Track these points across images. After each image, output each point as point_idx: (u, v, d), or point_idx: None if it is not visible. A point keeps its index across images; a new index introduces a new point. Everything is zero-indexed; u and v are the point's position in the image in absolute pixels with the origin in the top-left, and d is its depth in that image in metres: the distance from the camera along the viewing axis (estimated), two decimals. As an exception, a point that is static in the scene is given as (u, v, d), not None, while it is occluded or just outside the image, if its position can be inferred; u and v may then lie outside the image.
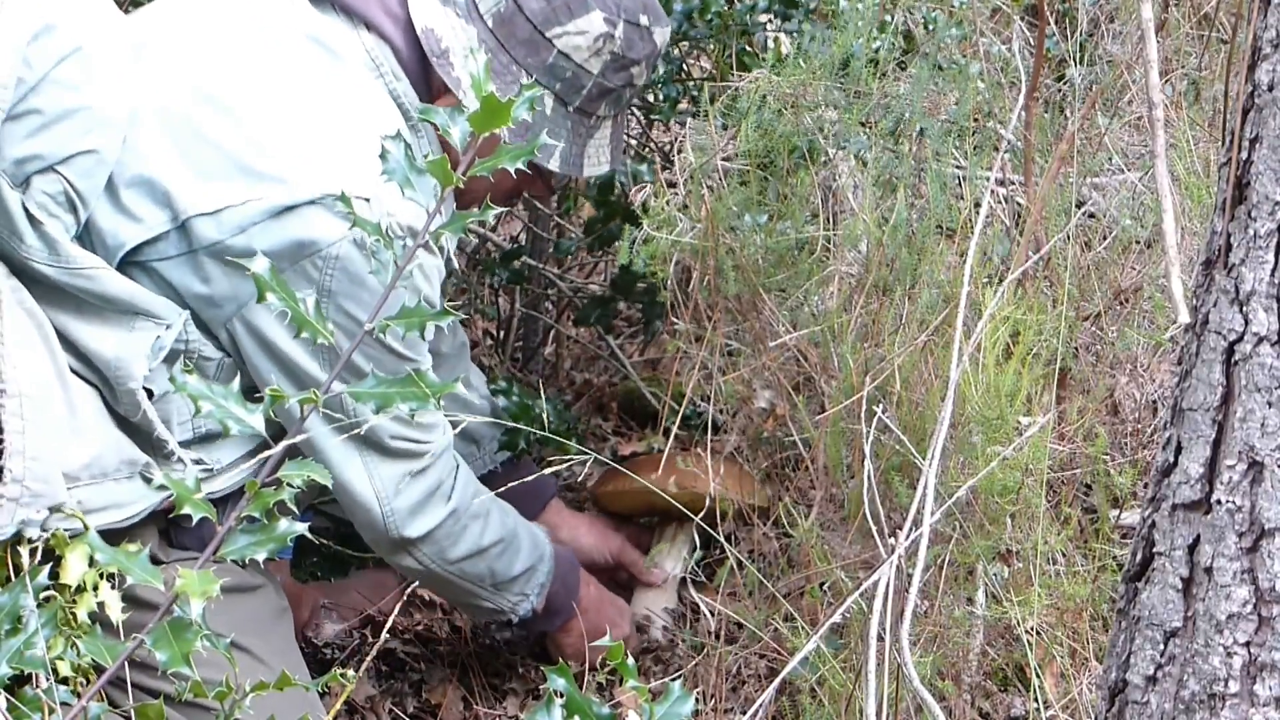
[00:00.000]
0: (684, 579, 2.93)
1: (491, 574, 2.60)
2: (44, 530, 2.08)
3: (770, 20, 3.15)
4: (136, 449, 2.27)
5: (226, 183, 2.25)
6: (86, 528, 2.17)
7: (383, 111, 2.36)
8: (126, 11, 2.52)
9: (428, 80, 2.41)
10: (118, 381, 2.22)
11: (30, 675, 1.63)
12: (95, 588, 2.13)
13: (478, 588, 2.61)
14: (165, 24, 2.40)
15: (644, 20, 2.47)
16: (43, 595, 1.66)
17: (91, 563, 1.97)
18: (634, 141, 3.26)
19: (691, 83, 3.20)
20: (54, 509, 2.10)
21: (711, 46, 3.17)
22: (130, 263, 2.27)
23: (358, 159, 2.25)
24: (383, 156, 1.62)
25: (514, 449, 2.85)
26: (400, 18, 2.39)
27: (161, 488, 2.31)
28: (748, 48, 3.12)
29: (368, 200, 2.21)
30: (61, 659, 1.77)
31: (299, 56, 2.35)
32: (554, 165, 2.48)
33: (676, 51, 3.20)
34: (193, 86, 2.31)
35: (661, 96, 3.15)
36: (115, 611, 1.88)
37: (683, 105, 3.16)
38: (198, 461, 2.36)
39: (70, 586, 1.96)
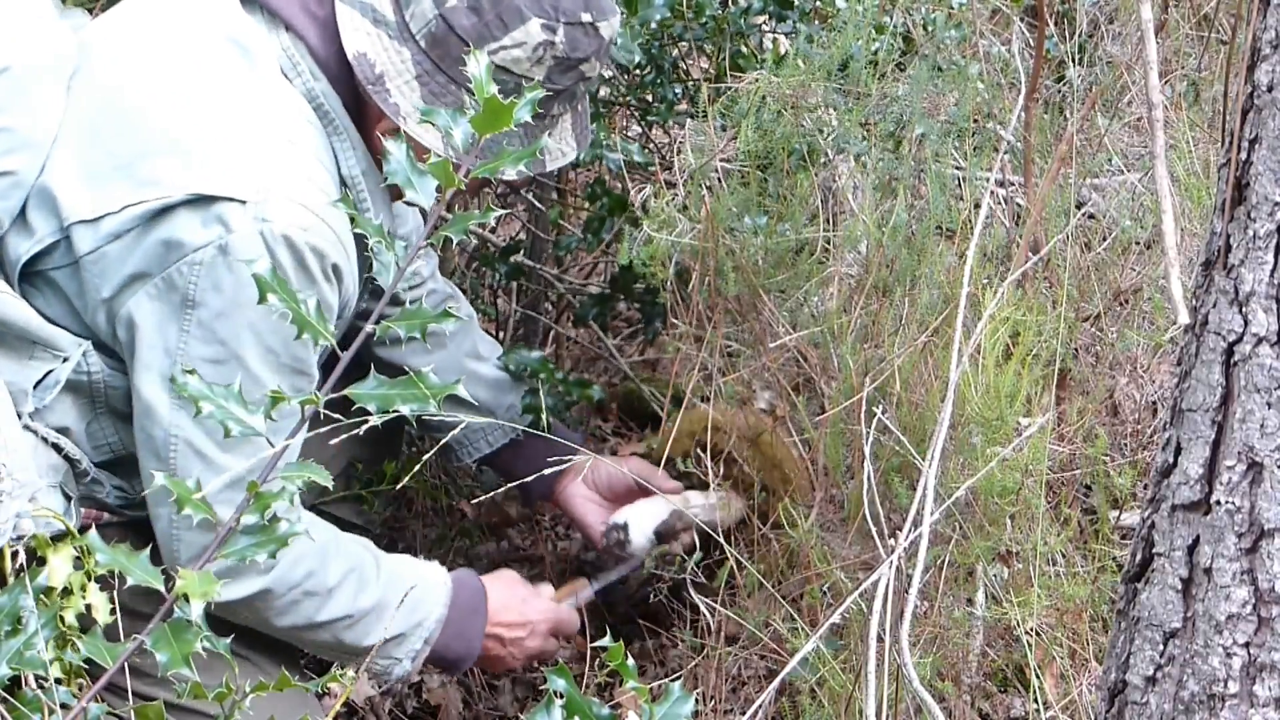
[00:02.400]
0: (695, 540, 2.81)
1: (339, 643, 2.42)
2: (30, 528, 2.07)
3: (765, 22, 3.15)
4: (59, 457, 2.26)
5: (111, 187, 2.19)
6: (70, 531, 2.16)
7: (286, 114, 2.27)
8: (95, 15, 2.51)
9: (352, 80, 2.31)
10: None
11: (21, 678, 1.62)
12: (83, 589, 2.12)
13: (325, 650, 2.47)
14: (108, 34, 2.35)
15: (586, 17, 2.32)
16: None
17: (77, 564, 1.96)
18: (634, 145, 3.25)
19: (691, 83, 3.20)
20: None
21: (709, 48, 3.17)
22: (34, 274, 2.23)
23: (242, 161, 2.19)
24: (384, 156, 1.61)
25: (537, 411, 2.80)
26: (319, 17, 2.30)
27: (87, 499, 2.30)
28: (744, 49, 3.12)
29: (243, 203, 2.15)
30: (60, 659, 1.77)
31: (212, 58, 2.28)
32: (510, 175, 2.34)
33: (675, 52, 3.20)
34: (104, 92, 2.26)
35: (659, 97, 3.15)
36: (103, 614, 1.87)
37: (681, 106, 3.16)
38: (118, 488, 2.34)
39: (55, 589, 1.95)
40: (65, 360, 2.22)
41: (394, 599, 2.41)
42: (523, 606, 2.64)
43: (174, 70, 2.27)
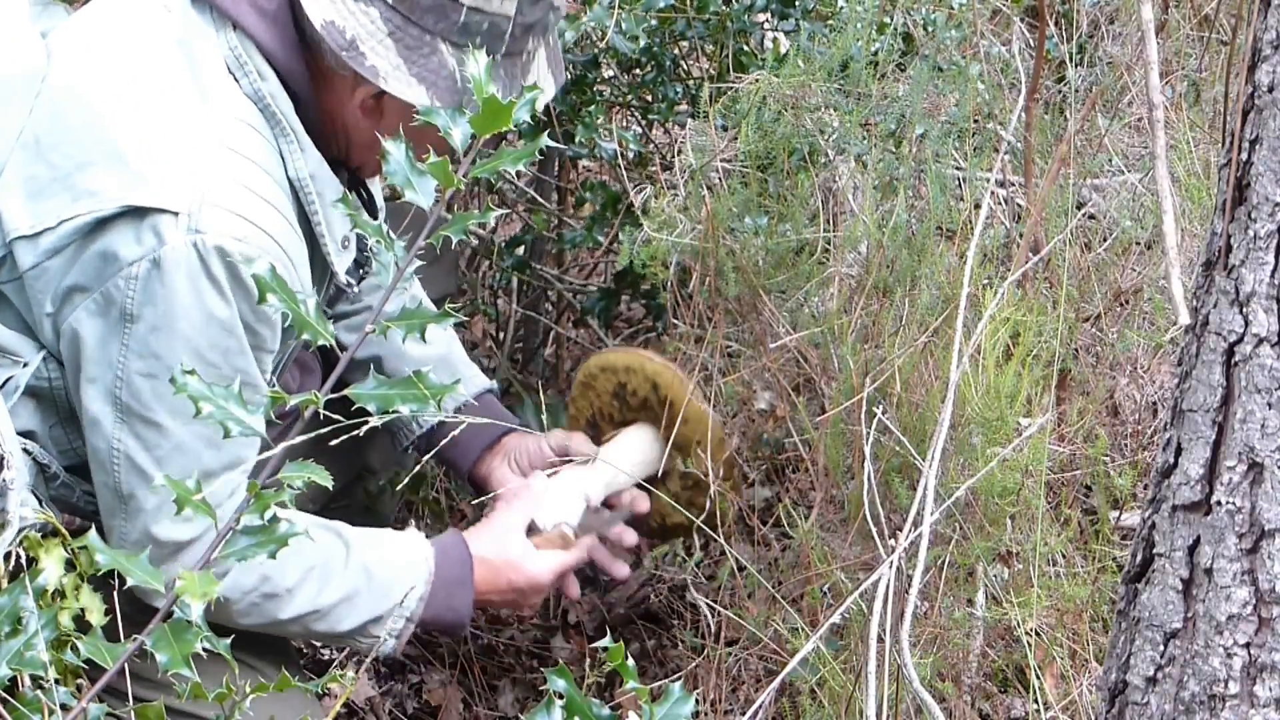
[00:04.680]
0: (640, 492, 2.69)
1: (311, 633, 2.40)
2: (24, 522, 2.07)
3: (768, 19, 3.15)
4: (27, 458, 2.24)
5: (50, 202, 2.17)
6: (60, 531, 2.15)
7: (228, 119, 2.21)
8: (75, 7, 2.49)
9: (309, 72, 2.26)
10: None
11: (17, 678, 1.62)
12: (77, 590, 2.11)
13: (301, 638, 2.44)
14: (67, 42, 2.31)
15: None
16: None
17: (70, 566, 1.95)
18: (629, 133, 3.25)
19: (691, 81, 3.20)
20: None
21: (710, 48, 3.17)
22: None
23: (177, 171, 2.15)
24: (383, 157, 1.60)
25: None
26: (269, 11, 2.23)
27: (57, 501, 2.29)
28: (745, 47, 3.12)
29: (176, 215, 2.12)
30: (58, 660, 1.76)
31: (155, 64, 2.24)
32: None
33: (677, 50, 3.20)
34: (52, 103, 2.24)
35: (660, 96, 3.14)
36: (97, 615, 1.87)
37: (681, 106, 3.16)
38: (87, 492, 2.32)
39: (48, 590, 1.94)
40: (25, 366, 2.21)
41: (366, 586, 2.38)
42: (510, 573, 2.53)
43: (116, 80, 2.24)
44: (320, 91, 2.29)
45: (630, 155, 3.20)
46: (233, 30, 2.25)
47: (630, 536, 2.69)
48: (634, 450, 2.69)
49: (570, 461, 2.69)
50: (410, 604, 2.42)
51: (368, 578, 2.39)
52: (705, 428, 2.63)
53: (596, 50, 3.08)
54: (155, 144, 2.18)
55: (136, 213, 2.13)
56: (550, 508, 2.59)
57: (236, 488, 2.21)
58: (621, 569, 2.71)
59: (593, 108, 3.06)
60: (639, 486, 2.70)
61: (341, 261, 2.36)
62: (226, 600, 2.28)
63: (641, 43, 2.96)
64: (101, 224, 2.14)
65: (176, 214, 2.12)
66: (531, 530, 2.57)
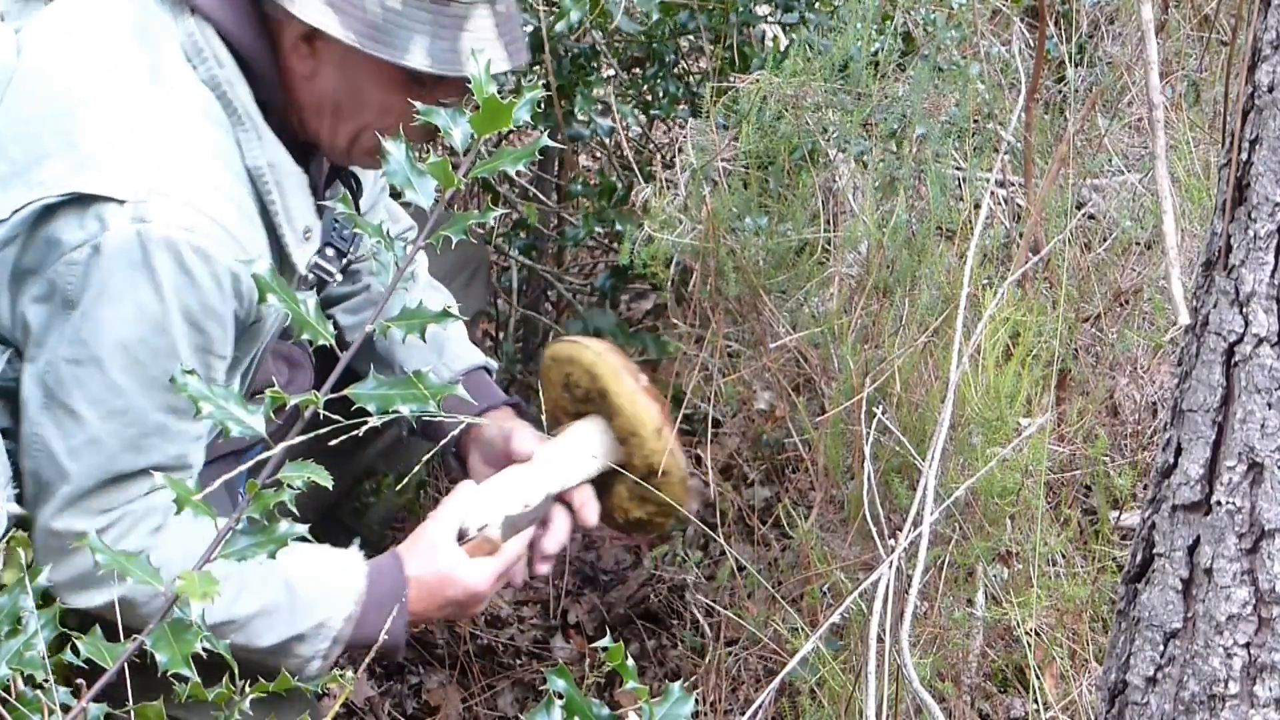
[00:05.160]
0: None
1: (228, 645, 2.25)
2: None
3: (772, 11, 3.15)
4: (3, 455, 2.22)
5: (7, 194, 2.14)
6: (32, 524, 2.14)
7: (182, 110, 2.18)
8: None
9: (273, 51, 2.22)
10: None
11: (12, 679, 1.62)
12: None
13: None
14: (36, 37, 2.30)
15: None
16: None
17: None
18: (628, 106, 3.24)
19: (691, 77, 3.20)
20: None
21: (711, 48, 3.18)
22: None
23: (127, 161, 2.12)
24: (383, 156, 1.60)
25: None
26: None
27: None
28: (747, 40, 3.12)
29: (121, 203, 2.09)
30: (61, 659, 1.77)
31: (113, 55, 2.21)
32: (419, 63, 2.15)
33: (677, 46, 3.20)
34: (14, 100, 2.22)
35: (661, 91, 3.14)
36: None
37: (681, 106, 3.17)
38: None
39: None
40: None
41: (288, 602, 2.28)
42: (447, 589, 2.41)
43: (75, 72, 2.22)
44: (277, 61, 2.24)
45: (630, 132, 3.16)
46: (190, 16, 2.21)
47: (553, 545, 2.55)
48: (576, 445, 2.55)
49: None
50: (335, 624, 2.31)
51: (290, 593, 2.28)
52: (639, 420, 2.50)
53: (599, 48, 3.08)
54: (108, 134, 2.15)
55: (83, 200, 2.10)
56: (475, 512, 2.46)
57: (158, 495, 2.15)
58: (539, 569, 2.58)
59: (591, 78, 3.03)
60: (608, 479, 2.58)
61: (302, 253, 2.30)
62: (130, 601, 2.16)
63: (655, 17, 2.92)
64: (49, 211, 2.12)
65: (123, 202, 2.09)
66: (462, 537, 2.44)
